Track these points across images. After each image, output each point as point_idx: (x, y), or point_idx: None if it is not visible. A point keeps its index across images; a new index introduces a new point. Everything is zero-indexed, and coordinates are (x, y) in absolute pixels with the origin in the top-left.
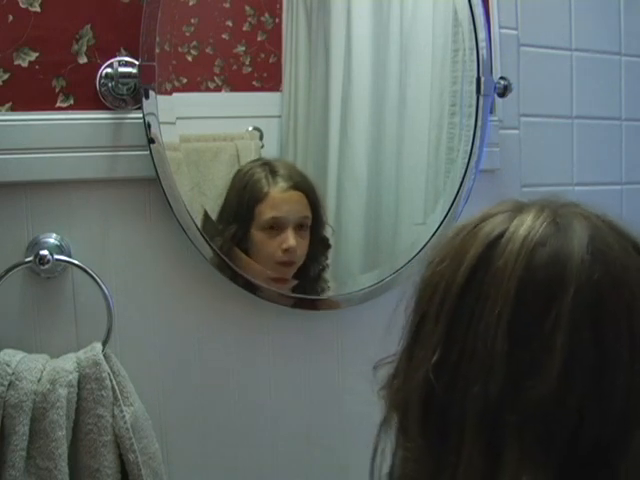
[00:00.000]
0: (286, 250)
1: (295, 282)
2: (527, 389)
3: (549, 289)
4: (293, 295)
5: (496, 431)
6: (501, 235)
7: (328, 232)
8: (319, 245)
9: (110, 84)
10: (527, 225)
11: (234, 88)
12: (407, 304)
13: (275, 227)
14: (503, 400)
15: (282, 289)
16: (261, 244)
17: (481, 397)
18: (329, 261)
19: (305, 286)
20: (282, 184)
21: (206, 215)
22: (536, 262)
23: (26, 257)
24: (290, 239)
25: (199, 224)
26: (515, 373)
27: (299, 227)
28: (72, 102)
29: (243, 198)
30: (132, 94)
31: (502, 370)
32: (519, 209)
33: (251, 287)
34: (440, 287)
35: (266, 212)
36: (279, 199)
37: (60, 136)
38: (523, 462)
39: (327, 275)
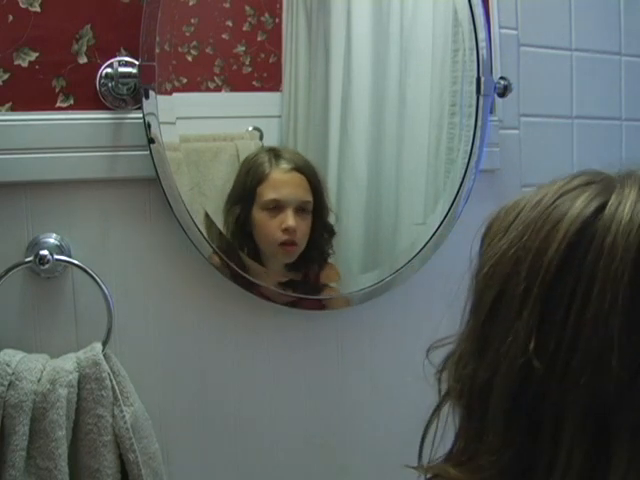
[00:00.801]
0: (285, 230)
1: (296, 274)
2: None
3: None
4: (293, 295)
5: (603, 428)
6: (600, 209)
7: (332, 219)
8: (323, 231)
9: (110, 84)
10: (632, 200)
11: (234, 88)
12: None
13: (275, 208)
14: (616, 394)
15: (282, 278)
16: (262, 224)
17: (590, 390)
18: (334, 249)
19: (308, 278)
20: (284, 166)
21: (207, 214)
22: None
23: (26, 257)
24: (290, 219)
25: (199, 224)
26: (631, 365)
27: (300, 210)
28: (72, 102)
29: (246, 180)
30: (132, 94)
31: (616, 362)
32: (609, 182)
33: (251, 286)
34: (524, 263)
35: (267, 192)
36: (279, 180)
37: (60, 136)
38: (633, 463)
39: (333, 260)
